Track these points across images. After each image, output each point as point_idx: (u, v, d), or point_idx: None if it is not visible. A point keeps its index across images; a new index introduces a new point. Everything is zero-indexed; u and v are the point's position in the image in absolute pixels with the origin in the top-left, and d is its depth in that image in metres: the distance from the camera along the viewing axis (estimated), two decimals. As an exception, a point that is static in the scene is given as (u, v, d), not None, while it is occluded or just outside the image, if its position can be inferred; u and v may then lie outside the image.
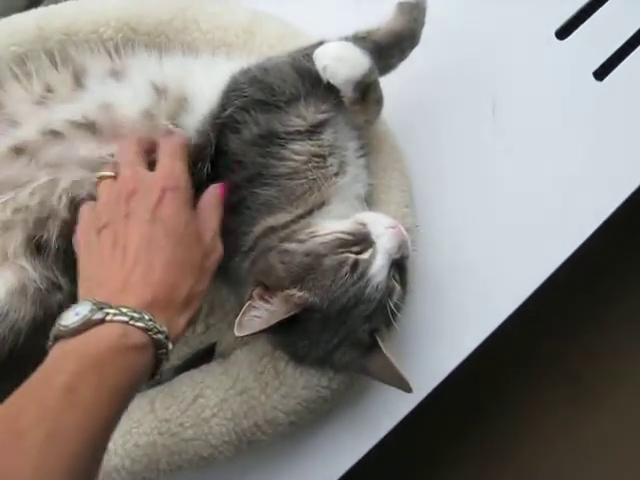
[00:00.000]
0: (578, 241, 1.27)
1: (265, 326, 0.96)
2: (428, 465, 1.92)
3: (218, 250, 0.98)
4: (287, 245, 1.01)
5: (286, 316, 0.96)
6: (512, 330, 1.25)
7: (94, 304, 0.82)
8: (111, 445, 1.04)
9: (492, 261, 1.26)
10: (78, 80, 1.10)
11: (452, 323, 1.23)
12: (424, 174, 1.24)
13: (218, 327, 1.20)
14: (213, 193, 1.01)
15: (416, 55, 1.15)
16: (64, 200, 1.04)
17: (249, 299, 0.99)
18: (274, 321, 0.96)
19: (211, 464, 1.10)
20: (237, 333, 0.96)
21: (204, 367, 1.15)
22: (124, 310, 0.82)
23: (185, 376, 1.13)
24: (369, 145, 1.15)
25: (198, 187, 1.02)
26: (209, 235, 0.97)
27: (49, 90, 1.10)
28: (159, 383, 1.14)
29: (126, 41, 1.18)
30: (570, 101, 1.36)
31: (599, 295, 2.05)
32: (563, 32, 1.39)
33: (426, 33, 1.15)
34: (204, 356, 1.18)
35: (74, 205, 1.04)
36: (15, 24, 1.20)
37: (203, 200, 1.00)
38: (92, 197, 1.01)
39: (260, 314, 0.97)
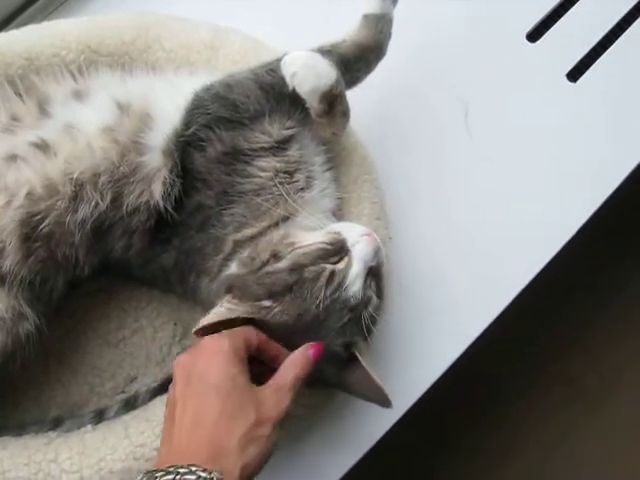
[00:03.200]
0: (558, 245, 1.32)
1: (217, 319, 0.99)
2: (424, 470, 1.95)
3: (283, 403, 0.94)
4: (269, 267, 1.03)
5: (244, 315, 0.99)
6: (509, 332, 1.28)
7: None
8: (86, 472, 1.07)
9: (469, 269, 1.30)
10: (42, 108, 1.14)
11: (430, 335, 1.27)
12: (396, 185, 1.28)
13: (194, 347, 1.22)
14: (303, 352, 0.99)
15: (384, 64, 1.19)
16: (16, 221, 1.07)
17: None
18: (230, 316, 0.99)
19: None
20: (195, 334, 1.00)
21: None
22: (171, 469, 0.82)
23: (159, 400, 1.16)
24: (339, 157, 1.20)
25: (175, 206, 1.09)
26: (276, 389, 0.94)
27: (15, 119, 1.14)
28: (134, 407, 1.16)
29: (89, 63, 1.23)
30: (544, 103, 1.41)
31: (594, 298, 2.09)
32: (534, 35, 1.45)
33: (393, 40, 1.20)
34: (180, 378, 1.20)
35: (26, 228, 1.07)
36: None
37: (291, 354, 0.99)
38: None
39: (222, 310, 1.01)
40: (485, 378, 1.96)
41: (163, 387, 1.19)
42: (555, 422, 2.06)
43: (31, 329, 1.10)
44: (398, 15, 1.21)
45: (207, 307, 1.12)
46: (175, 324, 1.25)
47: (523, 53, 1.44)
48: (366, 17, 1.18)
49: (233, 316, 0.99)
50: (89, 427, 1.14)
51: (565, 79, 1.42)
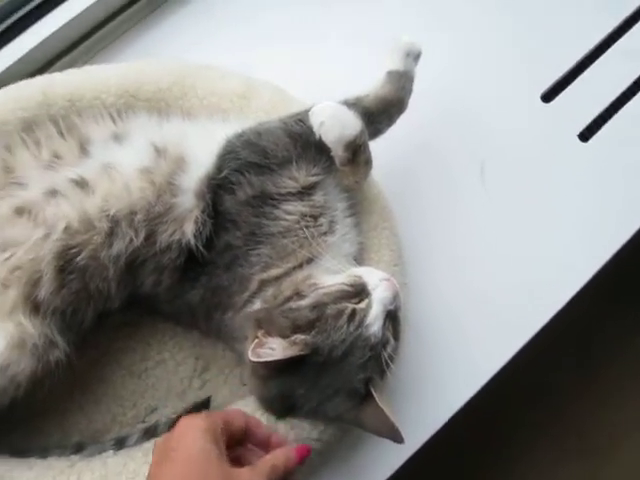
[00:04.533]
0: (567, 295, 1.39)
1: (280, 357, 1.06)
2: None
3: None
4: (292, 304, 1.12)
5: (298, 354, 1.07)
6: (519, 380, 1.34)
7: None
8: None
9: (481, 316, 1.38)
10: (83, 148, 1.24)
11: (443, 378, 1.35)
12: (413, 234, 1.37)
13: (214, 383, 1.32)
14: (287, 451, 1.07)
15: (405, 118, 1.29)
16: (53, 253, 1.16)
17: (256, 338, 1.09)
18: (288, 355, 1.06)
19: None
20: (253, 359, 1.06)
21: (200, 419, 1.24)
22: None
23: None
24: (360, 205, 1.29)
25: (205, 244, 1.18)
26: (252, 473, 0.99)
27: (56, 157, 1.23)
28: (155, 436, 1.23)
29: (127, 107, 1.33)
30: (556, 161, 1.50)
31: (605, 351, 2.14)
32: (549, 95, 1.54)
33: (414, 97, 1.30)
34: (199, 409, 1.28)
35: (62, 260, 1.16)
36: (21, 89, 1.35)
37: (277, 451, 1.07)
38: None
39: (273, 347, 1.08)
40: (495, 423, 2.00)
41: (180, 415, 1.26)
42: (563, 475, 2.10)
43: (61, 357, 1.17)
44: (418, 74, 1.31)
45: (228, 341, 1.23)
46: (196, 359, 1.33)
47: (537, 113, 1.54)
48: (389, 74, 1.29)
49: (290, 355, 1.06)
50: (110, 452, 1.20)
51: (577, 139, 1.52)
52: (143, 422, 1.30)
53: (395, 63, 1.30)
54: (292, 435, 1.17)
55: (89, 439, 1.27)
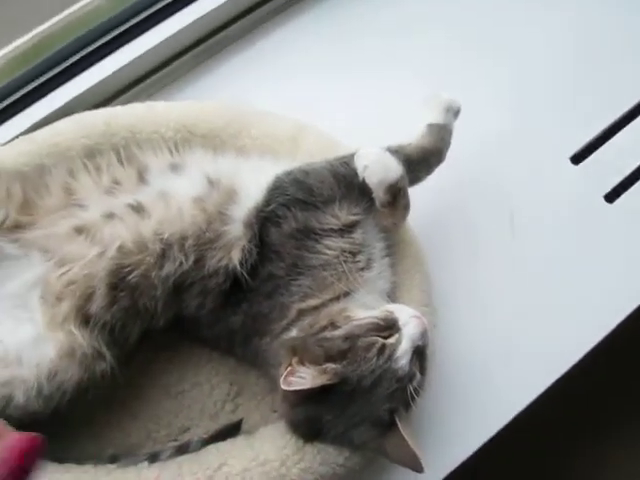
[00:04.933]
0: (585, 348, 1.47)
1: (308, 387, 1.14)
2: None
3: None
4: (326, 333, 1.20)
5: (327, 383, 1.15)
6: (540, 421, 1.40)
7: None
8: None
9: (505, 360, 1.46)
10: (141, 176, 1.34)
11: (466, 415, 1.43)
12: (444, 278, 1.46)
13: (246, 407, 1.40)
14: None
15: (441, 170, 1.39)
16: (107, 270, 1.25)
17: (289, 365, 1.17)
18: (317, 384, 1.15)
19: (229, 531, 1.26)
20: (284, 387, 1.14)
21: (230, 440, 1.31)
22: None
23: (212, 446, 1.30)
24: (396, 247, 1.38)
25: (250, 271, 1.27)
26: None
27: (116, 183, 1.33)
28: (187, 453, 1.30)
29: (184, 141, 1.44)
30: (581, 220, 1.59)
31: (614, 404, 2.19)
32: (578, 157, 1.64)
33: (451, 149, 1.40)
34: (231, 431, 1.35)
35: (115, 278, 1.25)
36: (86, 119, 1.47)
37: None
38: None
39: (303, 376, 1.16)
40: (512, 465, 2.03)
41: (213, 438, 1.33)
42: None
43: (106, 369, 1.25)
44: (457, 129, 1.42)
45: (263, 366, 1.31)
46: (231, 384, 1.40)
47: (565, 172, 1.64)
48: (430, 126, 1.39)
49: (319, 384, 1.15)
50: (145, 464, 1.27)
51: (603, 200, 1.61)
52: (175, 440, 1.36)
53: (436, 116, 1.40)
54: (318, 459, 1.23)
55: (123, 453, 1.33)
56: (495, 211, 1.58)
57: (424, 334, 1.21)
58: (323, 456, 1.24)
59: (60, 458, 1.27)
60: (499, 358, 1.46)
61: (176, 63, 1.71)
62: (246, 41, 1.75)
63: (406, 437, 1.17)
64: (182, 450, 1.32)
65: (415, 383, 1.19)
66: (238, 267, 1.27)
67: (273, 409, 1.38)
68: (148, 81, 1.68)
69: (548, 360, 1.45)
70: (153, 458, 1.30)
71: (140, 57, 1.63)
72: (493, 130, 1.65)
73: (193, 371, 1.41)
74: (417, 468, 1.18)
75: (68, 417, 1.29)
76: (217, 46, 1.75)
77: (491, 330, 1.48)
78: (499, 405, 1.43)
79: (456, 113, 1.44)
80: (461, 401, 1.43)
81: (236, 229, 1.28)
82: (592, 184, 1.62)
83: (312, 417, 1.21)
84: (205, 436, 1.35)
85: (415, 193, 1.35)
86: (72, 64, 1.60)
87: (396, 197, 1.30)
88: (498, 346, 1.47)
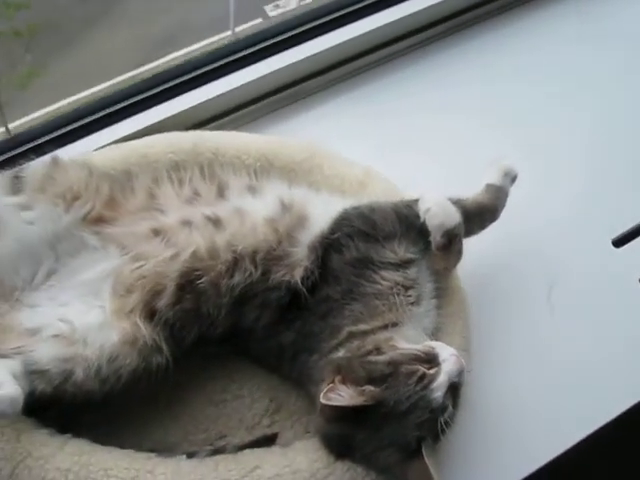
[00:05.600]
0: (614, 412, 1.55)
1: (346, 404, 1.25)
2: None
3: None
4: (371, 357, 1.30)
5: (364, 404, 1.25)
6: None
7: None
8: None
9: (535, 413, 1.55)
10: (221, 192, 1.48)
11: (493, 455, 1.51)
12: (483, 328, 1.55)
13: (281, 424, 1.48)
14: None
15: (493, 227, 1.53)
16: (178, 271, 1.37)
17: (331, 382, 1.27)
18: (355, 403, 1.25)
19: (256, 529, 1.33)
20: (323, 401, 1.24)
21: (265, 448, 1.40)
22: None
23: (248, 450, 1.38)
24: (443, 292, 1.49)
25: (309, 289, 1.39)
26: None
27: (196, 194, 1.48)
28: (224, 452, 1.40)
29: (262, 169, 1.60)
30: (617, 301, 1.69)
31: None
32: (620, 242, 1.76)
33: (503, 214, 1.53)
34: (266, 442, 1.43)
35: (184, 280, 1.37)
36: (175, 138, 1.65)
37: None
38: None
39: (343, 394, 1.26)
40: None
41: (248, 446, 1.41)
42: None
43: (162, 363, 1.36)
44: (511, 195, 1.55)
45: (305, 383, 1.42)
46: (270, 400, 1.49)
47: (606, 254, 1.74)
48: (488, 186, 1.53)
49: (356, 404, 1.25)
50: (183, 457, 1.36)
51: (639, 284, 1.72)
52: (211, 445, 1.43)
53: (495, 178, 1.53)
54: (347, 476, 1.31)
55: (160, 449, 1.39)
56: (536, 280, 1.69)
57: (461, 372, 1.30)
58: (352, 474, 1.31)
59: (101, 442, 1.35)
60: (525, 413, 1.54)
61: (266, 101, 1.89)
62: (330, 91, 1.95)
63: (430, 467, 1.25)
64: (218, 452, 1.40)
65: (446, 416, 1.28)
66: (299, 283, 1.38)
67: (307, 430, 1.45)
68: (237, 114, 1.86)
69: (573, 421, 1.54)
70: (190, 456, 1.38)
71: (233, 90, 1.82)
72: (543, 203, 1.79)
73: (237, 384, 1.51)
74: None
75: (115, 406, 1.38)
76: (302, 93, 1.94)
77: (520, 385, 1.56)
78: (523, 455, 1.50)
79: (513, 179, 1.57)
80: (484, 449, 1.50)
81: (301, 251, 1.41)
82: (631, 268, 1.72)
83: (345, 434, 1.30)
84: (239, 444, 1.42)
85: (467, 246, 1.47)
86: (169, 88, 1.78)
87: (451, 242, 1.41)
88: (526, 401, 1.55)
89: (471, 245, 1.50)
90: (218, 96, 1.82)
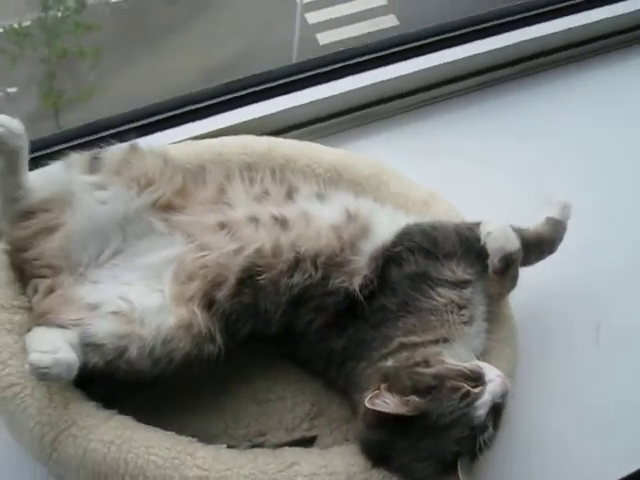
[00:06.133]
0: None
1: (390, 411, 1.28)
2: None
3: None
4: (418, 369, 1.34)
5: (407, 413, 1.29)
6: None
7: None
8: (213, 474, 1.32)
9: (572, 448, 1.56)
10: (290, 195, 1.54)
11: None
12: (528, 359, 1.58)
13: (320, 430, 1.51)
14: None
15: (549, 261, 1.57)
16: (240, 265, 1.42)
17: (377, 389, 1.31)
18: (398, 412, 1.29)
19: (286, 525, 1.36)
20: (368, 405, 1.29)
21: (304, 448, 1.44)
22: None
23: (287, 447, 1.42)
24: (494, 317, 1.52)
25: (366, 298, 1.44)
26: None
27: (266, 193, 1.54)
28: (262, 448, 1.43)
29: (331, 180, 1.66)
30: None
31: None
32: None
33: (559, 249, 1.58)
34: (305, 443, 1.47)
35: (245, 274, 1.42)
36: (250, 141, 1.73)
37: None
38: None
39: (387, 402, 1.29)
40: None
41: (286, 445, 1.44)
42: None
43: (213, 353, 1.40)
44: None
45: (350, 389, 1.45)
46: (312, 405, 1.53)
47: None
48: (548, 219, 1.57)
49: (399, 412, 1.28)
50: (224, 446, 1.40)
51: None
52: (250, 441, 1.47)
53: (555, 212, 1.57)
54: (382, 483, 1.35)
55: (200, 438, 1.42)
56: (584, 318, 1.73)
57: (505, 395, 1.33)
58: (386, 483, 1.35)
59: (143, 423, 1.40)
60: (563, 448, 1.55)
61: (339, 119, 1.98)
62: (400, 118, 2.03)
63: None
64: (256, 447, 1.43)
65: (486, 436, 1.31)
66: (357, 291, 1.43)
67: (345, 438, 1.48)
68: (309, 128, 1.94)
69: (614, 460, 1.56)
70: (230, 447, 1.41)
71: (309, 104, 1.92)
72: (596, 244, 1.83)
73: (282, 385, 1.54)
74: None
75: (161, 390, 1.44)
76: (374, 115, 2.02)
77: (561, 421, 1.58)
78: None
79: (569, 215, 1.60)
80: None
81: (362, 260, 1.46)
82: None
83: (384, 442, 1.34)
84: (278, 443, 1.46)
85: (521, 276, 1.50)
86: (248, 94, 1.87)
87: (508, 267, 1.45)
88: (565, 437, 1.56)
89: (525, 275, 1.52)
90: (293, 108, 1.91)
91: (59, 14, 5.19)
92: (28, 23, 5.12)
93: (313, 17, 5.02)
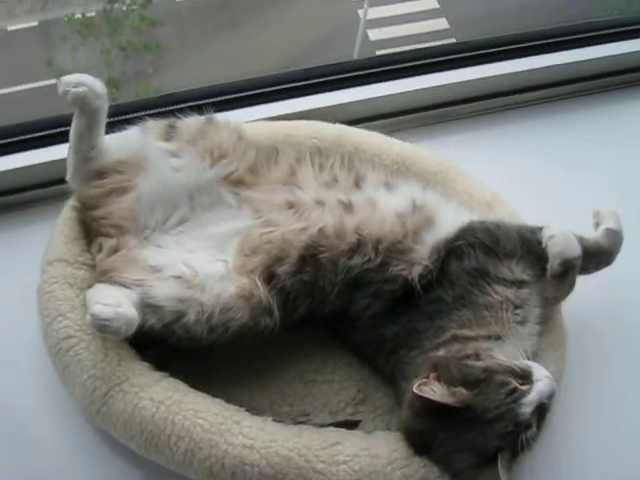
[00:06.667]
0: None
1: (437, 399, 1.31)
2: None
3: None
4: (468, 361, 1.37)
5: (453, 404, 1.31)
6: None
7: None
8: (258, 443, 1.35)
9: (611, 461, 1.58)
10: (357, 182, 1.58)
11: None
12: (575, 368, 1.60)
13: (364, 416, 1.53)
14: None
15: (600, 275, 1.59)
16: (303, 242, 1.46)
17: (426, 377, 1.34)
18: (444, 401, 1.31)
19: (323, 505, 1.39)
20: (415, 391, 1.31)
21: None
22: None
23: (332, 427, 1.45)
24: (547, 321, 1.54)
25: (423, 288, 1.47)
26: None
27: (334, 180, 1.58)
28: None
29: (398, 171, 1.70)
30: None
31: None
32: None
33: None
34: (349, 426, 1.48)
35: (307, 252, 1.46)
36: (321, 126, 1.79)
37: None
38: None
39: (435, 390, 1.32)
40: None
41: (329, 425, 1.46)
42: None
43: (269, 326, 1.45)
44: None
45: (398, 377, 1.48)
46: (358, 390, 1.55)
47: None
48: (608, 230, 1.59)
49: (446, 402, 1.31)
50: (270, 418, 1.43)
51: None
52: (292, 420, 1.48)
53: (614, 224, 1.59)
54: (421, 473, 1.36)
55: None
56: (635, 334, 1.74)
57: (551, 395, 1.35)
58: (426, 472, 1.37)
59: (192, 391, 1.44)
60: (602, 459, 1.57)
61: (413, 115, 2.03)
62: (474, 121, 2.07)
63: (502, 476, 1.29)
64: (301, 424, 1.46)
65: (529, 434, 1.33)
66: (416, 280, 1.46)
67: (388, 427, 1.50)
68: (381, 122, 1.97)
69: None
70: (275, 421, 1.44)
71: (382, 98, 1.96)
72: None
73: (330, 368, 1.57)
74: None
75: (211, 360, 1.49)
76: (449, 115, 2.07)
77: (605, 433, 1.60)
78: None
79: (621, 224, 1.61)
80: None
81: (424, 250, 1.49)
82: None
83: (427, 431, 1.36)
84: (320, 423, 1.47)
85: (577, 284, 1.53)
86: (324, 82, 1.92)
87: (567, 272, 1.48)
88: (604, 447, 1.58)
89: (580, 284, 1.54)
90: (366, 100, 1.95)
91: (124, 7, 5.25)
92: (92, 14, 5.19)
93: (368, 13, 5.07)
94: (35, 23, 5.10)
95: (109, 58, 5.13)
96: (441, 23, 5.24)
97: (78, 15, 5.12)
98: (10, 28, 5.04)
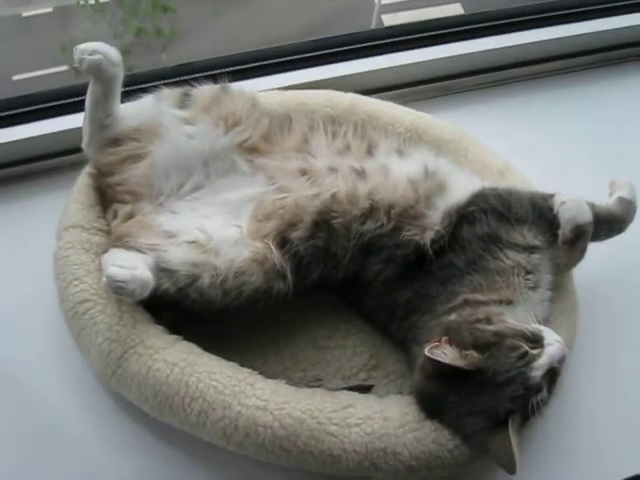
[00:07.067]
0: None
1: (448, 362, 1.33)
2: None
3: None
4: (480, 325, 1.39)
5: (465, 367, 1.33)
6: None
7: None
8: (271, 405, 1.38)
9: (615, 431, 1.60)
10: (369, 150, 1.60)
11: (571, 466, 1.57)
12: (586, 335, 1.61)
13: (376, 381, 1.56)
14: None
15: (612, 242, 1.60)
16: (316, 208, 1.49)
17: (438, 341, 1.36)
18: (456, 364, 1.33)
19: (334, 467, 1.39)
20: (427, 354, 1.34)
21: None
22: None
23: (345, 391, 1.47)
24: (558, 288, 1.56)
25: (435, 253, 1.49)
26: None
27: (347, 148, 1.60)
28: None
29: (410, 139, 1.71)
30: None
31: None
32: None
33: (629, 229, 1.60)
34: (362, 389, 1.50)
35: (320, 217, 1.48)
36: (335, 95, 1.81)
37: None
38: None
39: (447, 353, 1.34)
40: None
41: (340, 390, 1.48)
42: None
43: (282, 291, 1.47)
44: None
45: (411, 342, 1.50)
46: (371, 356, 1.58)
47: None
48: (621, 199, 1.59)
49: (457, 365, 1.33)
50: (283, 381, 1.45)
51: None
52: (306, 385, 1.50)
53: (627, 193, 1.59)
54: (432, 436, 1.38)
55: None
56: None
57: (562, 359, 1.37)
58: (437, 435, 1.39)
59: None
60: (611, 426, 1.59)
61: (424, 87, 2.05)
62: (484, 93, 2.08)
63: (512, 440, 1.31)
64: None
65: (539, 397, 1.34)
66: (428, 245, 1.48)
67: (400, 391, 1.52)
68: (393, 92, 1.99)
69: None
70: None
71: (392, 69, 1.99)
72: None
73: (343, 334, 1.60)
74: (511, 469, 1.32)
75: (225, 325, 1.52)
76: (459, 86, 2.08)
77: (615, 399, 1.61)
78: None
79: (636, 194, 1.61)
80: (565, 452, 1.56)
81: (436, 216, 1.51)
82: None
83: (439, 394, 1.39)
84: (333, 388, 1.49)
85: (589, 251, 1.53)
86: (337, 52, 1.95)
87: (579, 238, 1.49)
88: (614, 415, 1.60)
89: (591, 251, 1.54)
90: (379, 70, 1.97)
91: (137, -7, 5.26)
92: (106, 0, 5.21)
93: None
94: (50, 9, 5.12)
95: (122, 44, 5.15)
96: (455, 8, 5.23)
97: (91, 1, 5.14)
98: (25, 14, 5.07)
